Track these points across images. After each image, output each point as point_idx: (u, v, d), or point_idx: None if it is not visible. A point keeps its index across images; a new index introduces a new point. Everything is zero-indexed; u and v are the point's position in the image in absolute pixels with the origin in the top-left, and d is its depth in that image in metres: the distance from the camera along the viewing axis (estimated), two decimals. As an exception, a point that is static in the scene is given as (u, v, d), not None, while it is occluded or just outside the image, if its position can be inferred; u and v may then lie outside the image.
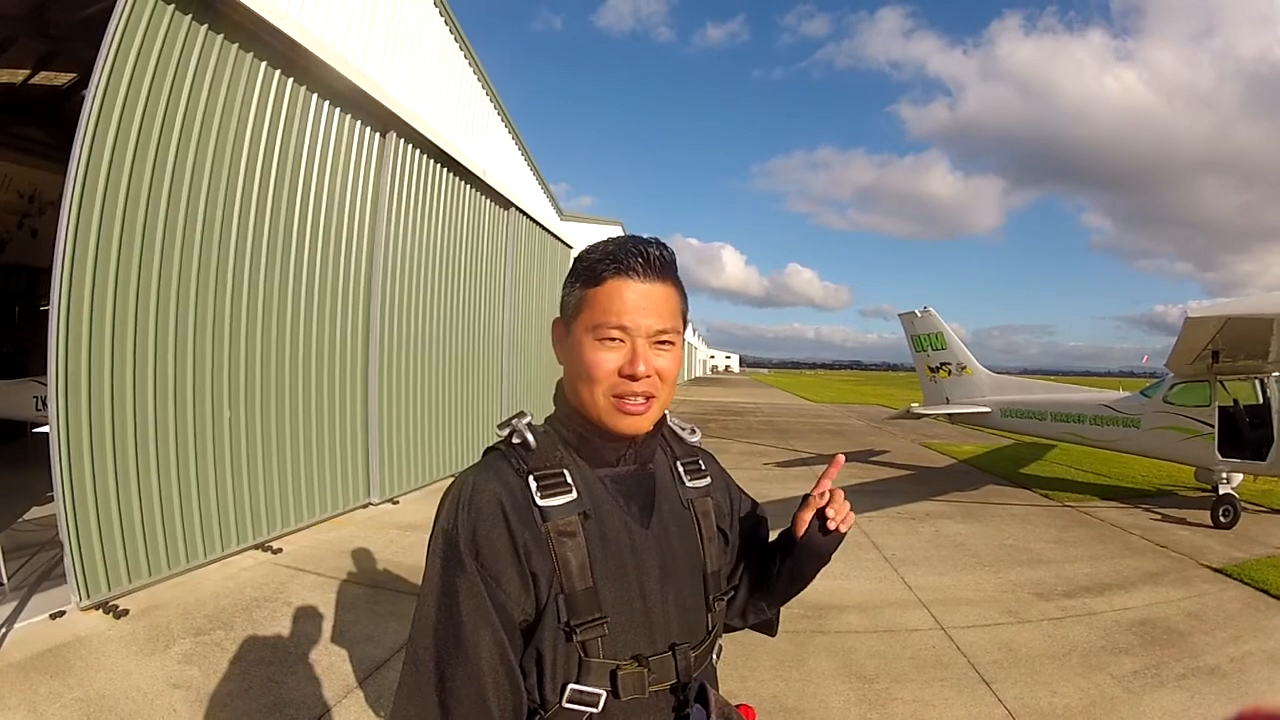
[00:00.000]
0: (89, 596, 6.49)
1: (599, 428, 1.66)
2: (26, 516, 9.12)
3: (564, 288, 1.73)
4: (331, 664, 5.68)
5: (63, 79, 12.84)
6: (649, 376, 1.60)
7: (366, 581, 7.67)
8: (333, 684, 5.36)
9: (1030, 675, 5.86)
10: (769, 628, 2.13)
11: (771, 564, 1.97)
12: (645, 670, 1.59)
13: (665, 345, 1.64)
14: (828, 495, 1.84)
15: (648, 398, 1.62)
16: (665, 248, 1.67)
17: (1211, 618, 7.22)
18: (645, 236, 1.68)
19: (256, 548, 8.51)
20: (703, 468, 1.92)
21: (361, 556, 8.42)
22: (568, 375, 1.72)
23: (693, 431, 1.97)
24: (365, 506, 11.04)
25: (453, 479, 1.66)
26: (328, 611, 6.72)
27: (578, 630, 1.54)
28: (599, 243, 1.70)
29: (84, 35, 7.07)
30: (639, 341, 1.60)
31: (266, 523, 8.79)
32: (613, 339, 1.59)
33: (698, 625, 1.74)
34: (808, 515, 1.85)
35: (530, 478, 1.60)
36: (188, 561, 7.54)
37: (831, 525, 1.83)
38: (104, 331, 6.68)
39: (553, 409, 1.81)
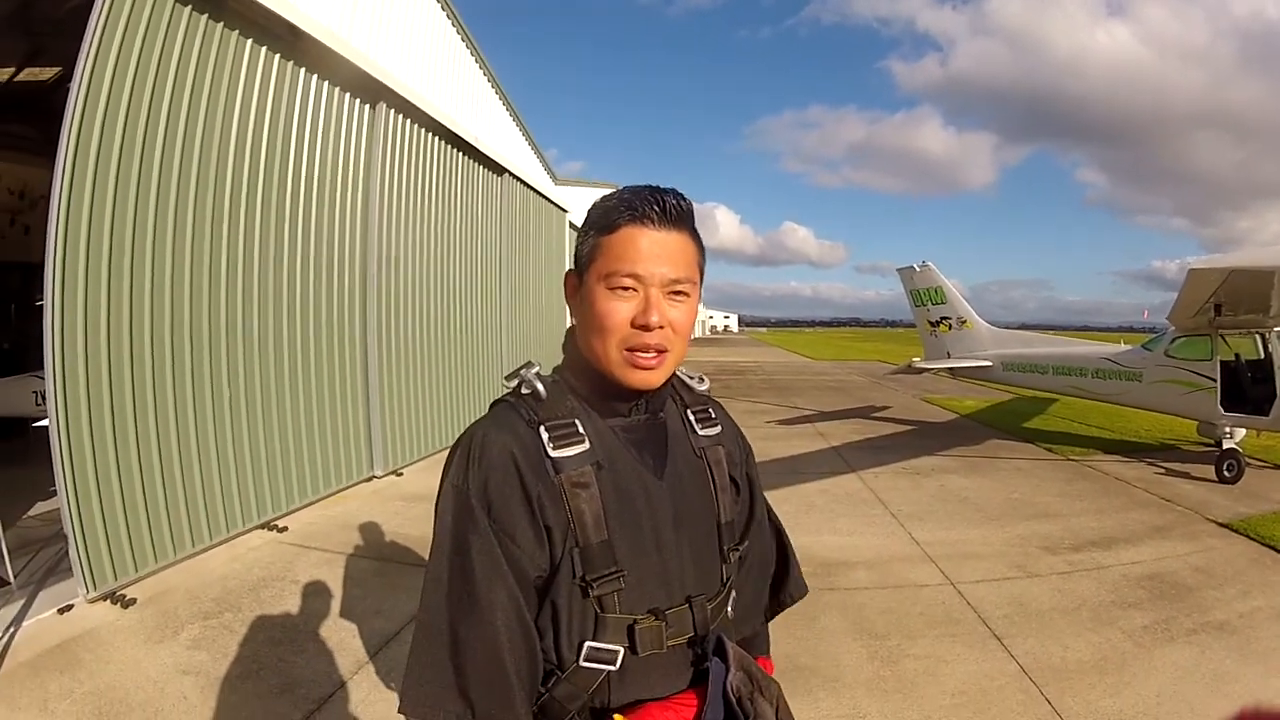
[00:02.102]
0: (96, 588, 6.45)
1: (611, 380, 1.62)
2: (31, 512, 9.10)
3: (578, 237, 1.69)
4: (341, 640, 5.68)
5: (48, 74, 12.75)
6: (662, 328, 1.56)
7: (373, 555, 7.68)
8: (343, 660, 5.36)
9: (1041, 630, 5.87)
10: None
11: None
12: (663, 624, 1.56)
13: (680, 296, 1.59)
14: None
15: (660, 351, 1.58)
16: (683, 197, 1.63)
17: (1219, 573, 7.23)
18: (663, 187, 1.63)
19: (261, 527, 8.50)
20: (713, 416, 1.88)
21: (367, 530, 8.42)
22: (580, 328, 1.67)
23: (701, 380, 1.92)
24: (369, 480, 11.03)
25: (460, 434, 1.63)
26: (335, 588, 6.71)
27: (594, 585, 1.51)
28: (615, 191, 1.65)
29: (67, 29, 6.99)
30: (653, 291, 1.55)
31: (271, 501, 8.76)
32: (626, 288, 1.55)
33: (713, 576, 1.71)
34: None
35: (541, 428, 1.56)
36: (193, 545, 7.52)
37: None
38: (99, 320, 6.61)
39: (559, 362, 1.78)
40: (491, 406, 1.68)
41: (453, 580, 1.48)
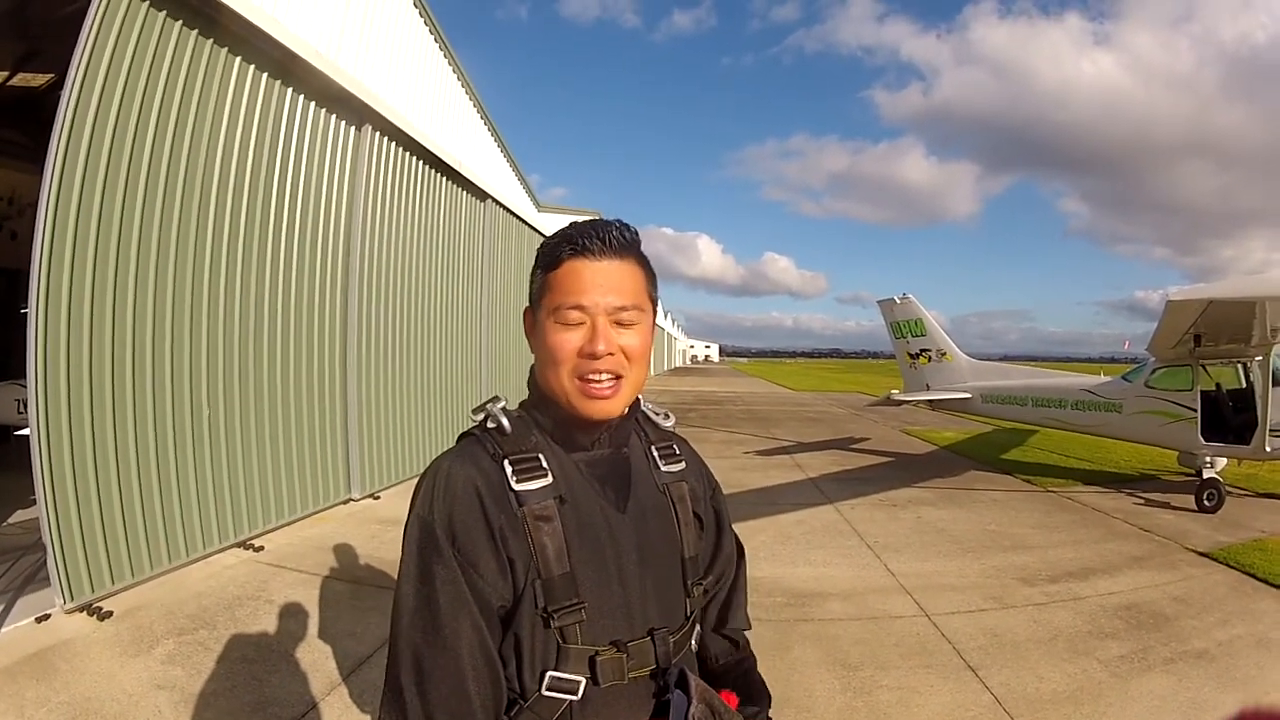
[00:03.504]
0: (73, 599, 6.45)
1: (570, 413, 1.65)
2: (10, 520, 9.07)
3: (530, 277, 1.74)
4: (315, 660, 5.66)
5: (40, 80, 12.73)
6: (612, 354, 1.60)
7: (348, 577, 7.65)
8: (316, 680, 5.34)
9: (1016, 661, 5.88)
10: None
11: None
12: (625, 656, 1.58)
13: (628, 324, 1.63)
14: None
15: (616, 377, 1.62)
16: (627, 228, 1.67)
17: (1198, 602, 7.26)
18: (608, 219, 1.68)
19: (238, 546, 8.46)
20: (677, 452, 1.90)
21: (343, 552, 8.38)
22: (538, 362, 1.71)
23: (667, 416, 1.95)
24: (346, 502, 10.99)
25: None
26: (310, 608, 6.69)
27: (555, 616, 1.52)
28: (561, 228, 1.70)
29: (61, 35, 7.01)
30: (599, 319, 1.59)
31: (248, 520, 8.73)
32: (573, 321, 1.59)
33: (676, 610, 1.73)
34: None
35: (505, 462, 1.59)
36: (170, 561, 7.49)
37: None
38: (82, 333, 6.62)
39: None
40: (459, 439, 1.71)
41: (418, 609, 1.50)
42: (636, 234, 1.69)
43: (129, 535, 7.05)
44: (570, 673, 1.54)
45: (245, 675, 5.41)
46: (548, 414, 1.70)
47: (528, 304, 1.75)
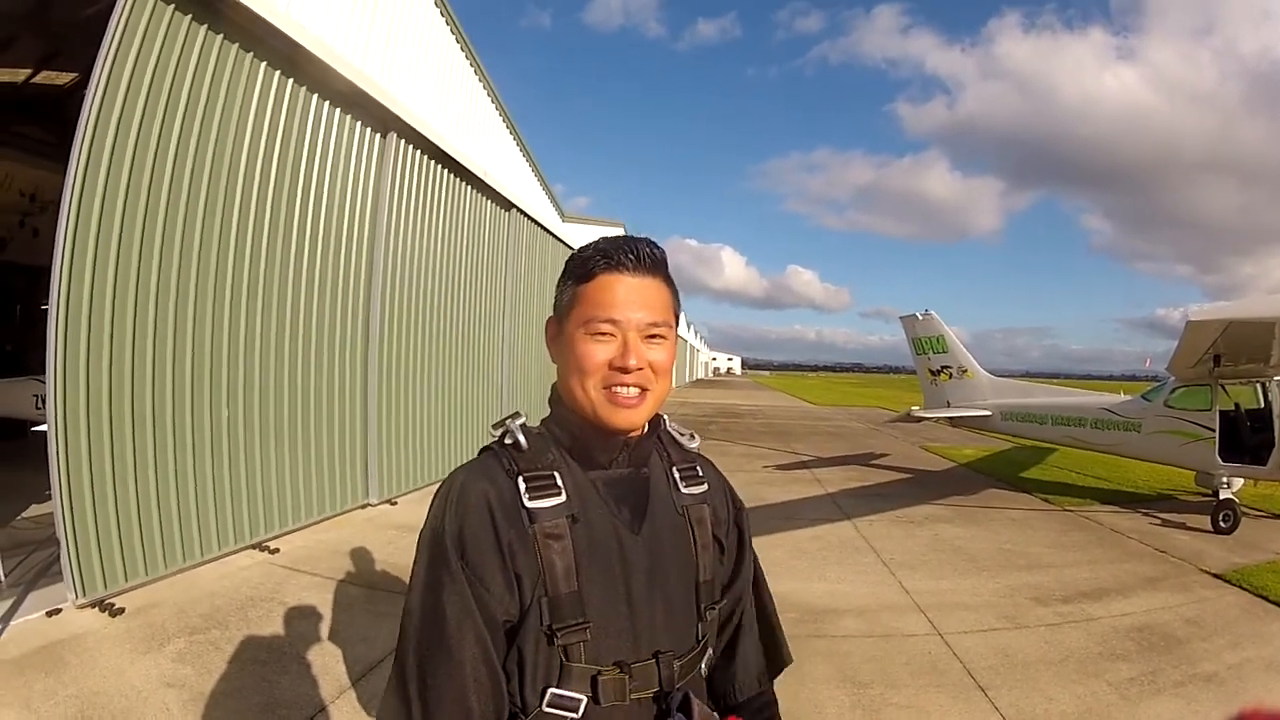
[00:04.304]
0: (85, 594, 6.51)
1: (593, 425, 1.66)
2: (25, 514, 9.15)
3: (557, 286, 1.75)
4: (326, 664, 5.68)
5: (64, 78, 12.84)
6: (641, 369, 1.61)
7: (363, 582, 7.67)
8: (327, 684, 5.36)
9: (1026, 681, 5.83)
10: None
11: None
12: (627, 677, 1.58)
13: (657, 339, 1.65)
14: None
15: (642, 390, 1.63)
16: (656, 246, 1.69)
17: (1210, 624, 7.19)
18: (637, 236, 1.69)
19: (253, 547, 8.50)
20: (700, 474, 1.89)
21: (359, 557, 8.41)
22: (561, 372, 1.72)
23: (691, 437, 1.95)
24: (364, 507, 11.02)
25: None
26: (323, 612, 6.71)
27: (559, 634, 1.53)
28: (591, 242, 1.72)
29: (85, 34, 7.09)
30: (630, 335, 1.61)
31: (264, 522, 8.79)
32: (604, 333, 1.61)
33: (686, 634, 1.72)
34: None
35: (520, 478, 1.60)
36: (184, 560, 7.55)
37: None
38: (102, 330, 6.69)
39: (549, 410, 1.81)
40: (480, 453, 1.72)
41: (424, 619, 1.52)
42: (664, 253, 1.71)
43: (143, 533, 7.11)
44: (572, 690, 1.54)
45: (255, 676, 5.44)
46: (568, 429, 1.71)
47: (552, 314, 1.77)
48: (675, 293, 1.74)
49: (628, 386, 1.61)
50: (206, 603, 6.80)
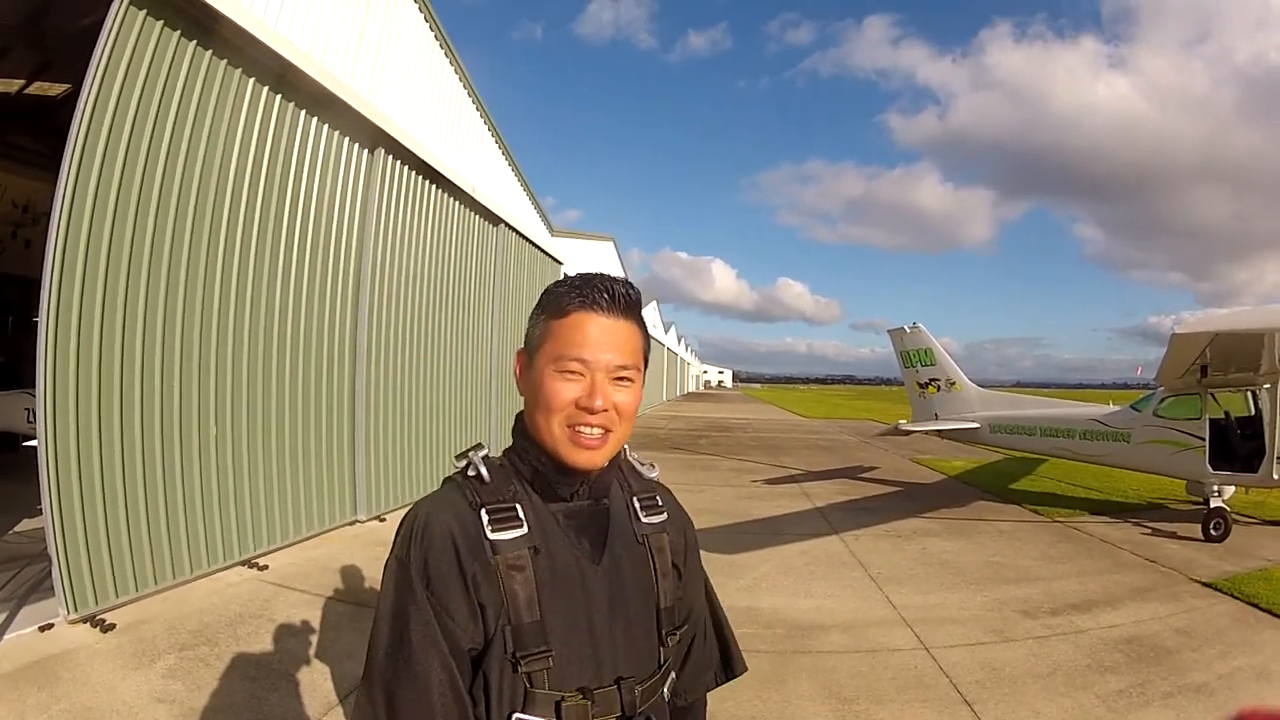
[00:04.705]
0: (77, 609, 6.52)
1: (554, 460, 1.69)
2: (17, 528, 9.14)
3: (530, 319, 1.77)
4: (314, 681, 5.70)
5: (57, 89, 12.87)
6: (606, 411, 1.64)
7: (351, 599, 7.67)
8: (314, 701, 5.38)
9: (1013, 695, 5.84)
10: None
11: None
12: (589, 703, 1.61)
13: (625, 382, 1.67)
14: None
15: (605, 431, 1.66)
16: (631, 287, 1.71)
17: (1200, 633, 7.23)
18: (614, 276, 1.72)
19: (243, 564, 8.51)
20: (659, 503, 1.93)
21: (347, 573, 8.40)
22: (527, 406, 1.75)
23: (651, 467, 1.98)
24: (352, 524, 11.01)
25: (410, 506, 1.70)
26: (312, 628, 6.73)
27: (523, 662, 1.56)
28: (567, 277, 1.74)
29: (78, 46, 7.12)
30: (599, 375, 1.63)
31: (253, 539, 8.78)
32: (573, 371, 1.63)
33: (648, 660, 1.76)
34: None
35: (482, 511, 1.63)
36: (174, 577, 7.55)
37: None
38: (92, 344, 6.71)
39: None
40: (443, 483, 1.76)
41: (391, 646, 1.55)
42: (639, 294, 1.75)
43: (134, 549, 7.11)
44: (537, 716, 1.58)
45: (244, 693, 5.45)
46: (530, 461, 1.74)
47: (522, 346, 1.79)
48: (646, 336, 1.77)
49: (591, 427, 1.64)
50: (196, 619, 6.81)
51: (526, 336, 1.77)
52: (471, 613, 1.56)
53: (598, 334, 1.64)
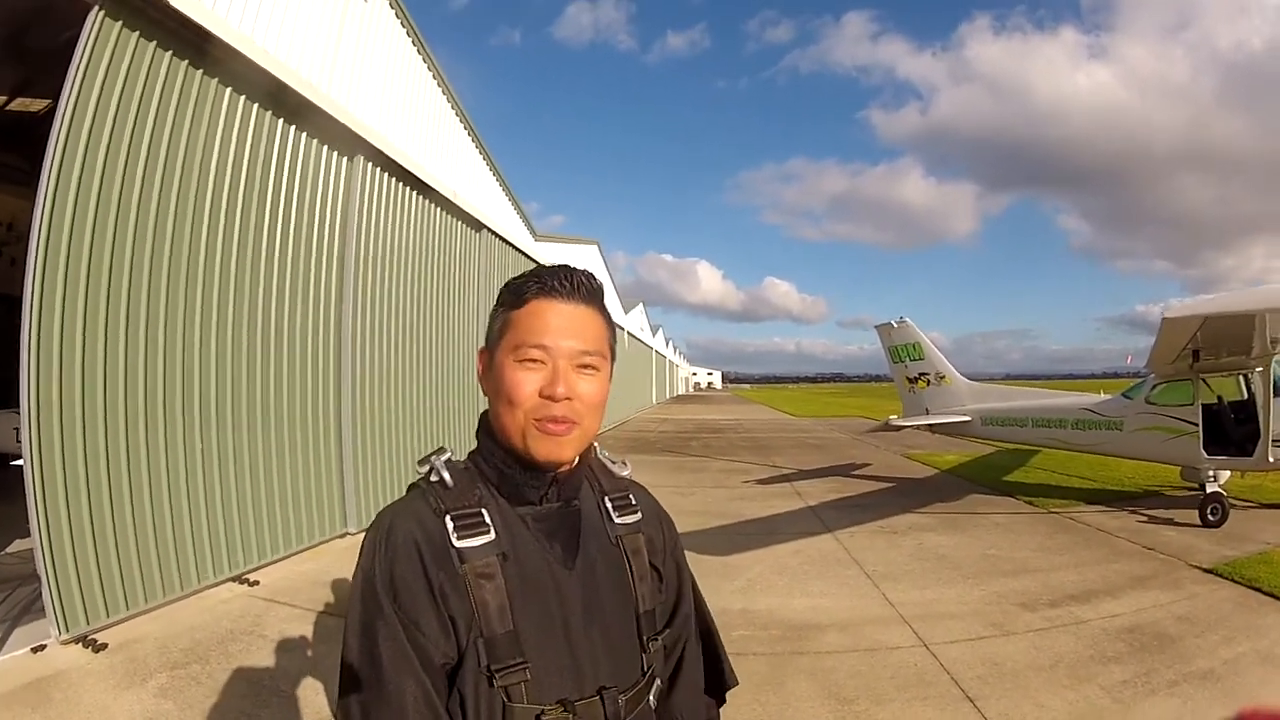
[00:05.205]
0: (68, 630, 6.49)
1: (521, 458, 1.62)
2: (9, 549, 9.08)
3: (490, 315, 1.72)
4: (306, 697, 5.63)
5: (38, 105, 12.77)
6: (569, 399, 1.57)
7: (343, 613, 7.51)
8: (307, 717, 5.32)
9: (1016, 689, 5.80)
10: None
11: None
12: (571, 715, 1.55)
13: (589, 370, 1.61)
14: None
15: (569, 422, 1.59)
16: (592, 276, 1.67)
17: (1203, 620, 7.20)
18: (574, 266, 1.67)
19: (233, 580, 8.45)
20: (633, 502, 1.86)
21: (338, 587, 8.31)
22: (491, 403, 1.69)
23: (623, 465, 1.92)
24: (343, 536, 10.95)
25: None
26: (303, 644, 6.68)
27: (498, 675, 1.50)
28: (526, 271, 1.69)
29: (58, 61, 7.08)
30: (561, 362, 1.57)
31: (243, 554, 8.72)
32: (534, 359, 1.57)
33: (630, 668, 1.69)
34: None
35: (447, 518, 1.57)
36: (165, 595, 7.50)
37: None
38: (74, 360, 6.68)
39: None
40: (407, 490, 1.69)
41: (362, 664, 1.48)
42: (600, 284, 1.70)
43: (123, 568, 7.06)
44: None
45: (236, 711, 5.40)
46: (495, 464, 1.67)
47: (483, 345, 1.73)
48: (610, 325, 1.71)
49: (555, 419, 1.57)
50: (187, 637, 6.76)
51: (487, 333, 1.72)
52: (442, 626, 1.50)
53: (558, 321, 1.59)
